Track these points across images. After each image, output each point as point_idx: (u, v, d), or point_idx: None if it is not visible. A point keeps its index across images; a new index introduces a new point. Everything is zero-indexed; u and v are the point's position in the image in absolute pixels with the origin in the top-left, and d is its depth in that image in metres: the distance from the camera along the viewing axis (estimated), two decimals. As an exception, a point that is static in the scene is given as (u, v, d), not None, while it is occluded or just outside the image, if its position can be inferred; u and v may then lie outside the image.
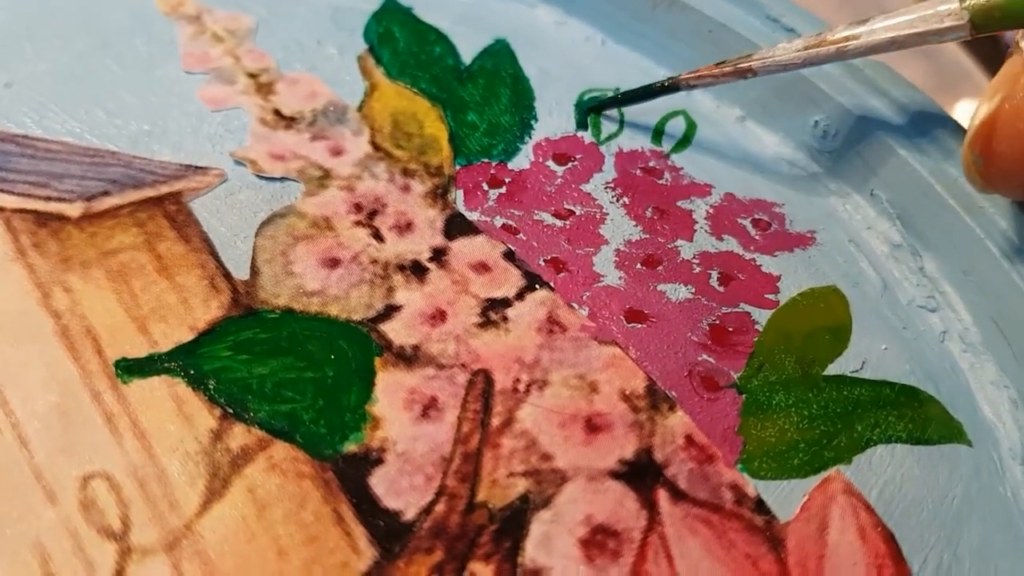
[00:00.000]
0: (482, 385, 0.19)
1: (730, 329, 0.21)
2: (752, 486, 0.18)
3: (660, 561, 0.17)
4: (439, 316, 0.20)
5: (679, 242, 0.23)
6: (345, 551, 0.17)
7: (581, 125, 0.25)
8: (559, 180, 0.24)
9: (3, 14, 0.26)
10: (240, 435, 0.18)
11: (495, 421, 0.19)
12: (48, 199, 0.21)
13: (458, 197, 0.23)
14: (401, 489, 0.17)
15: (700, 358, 0.20)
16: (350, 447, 0.18)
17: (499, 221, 0.23)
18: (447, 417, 0.19)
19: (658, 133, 0.25)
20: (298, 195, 0.22)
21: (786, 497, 0.18)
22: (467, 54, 0.27)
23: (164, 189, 0.22)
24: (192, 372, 0.19)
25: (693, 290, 0.22)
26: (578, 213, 0.23)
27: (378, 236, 0.22)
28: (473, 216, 0.23)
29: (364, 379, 0.19)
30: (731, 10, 0.26)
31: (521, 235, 0.22)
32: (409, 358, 0.19)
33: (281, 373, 0.19)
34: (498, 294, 0.21)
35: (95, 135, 0.23)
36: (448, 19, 0.28)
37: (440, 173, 0.23)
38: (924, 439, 0.20)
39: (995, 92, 0.18)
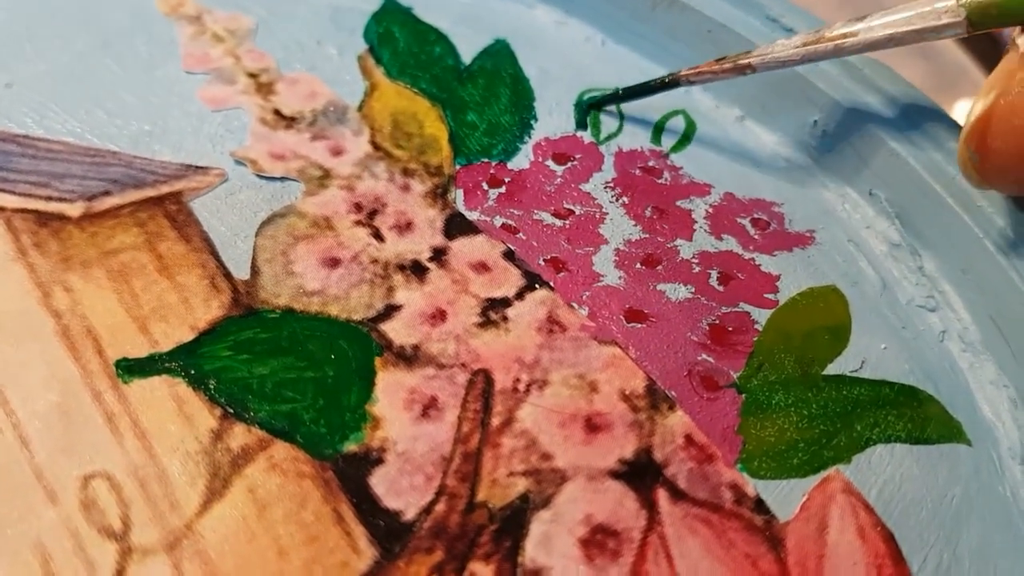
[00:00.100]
0: (482, 385, 0.19)
1: (729, 329, 0.21)
2: (752, 486, 0.18)
3: (660, 561, 0.17)
4: (439, 316, 0.20)
5: (678, 241, 0.23)
6: (345, 551, 0.17)
7: (581, 125, 0.25)
8: (559, 180, 0.24)
9: (4, 14, 0.26)
10: (240, 435, 0.18)
11: (495, 421, 0.19)
12: (49, 199, 0.21)
13: (458, 197, 0.23)
14: (401, 489, 0.17)
15: (700, 358, 0.20)
16: (350, 447, 0.18)
17: (499, 221, 0.23)
18: (447, 417, 0.19)
19: (657, 133, 0.26)
20: (298, 195, 0.22)
21: (785, 497, 0.18)
22: (467, 54, 0.27)
23: (165, 189, 0.22)
24: (193, 372, 0.19)
25: (693, 290, 0.22)
26: (578, 213, 0.23)
27: (378, 236, 0.22)
28: (473, 216, 0.23)
29: (364, 379, 0.19)
30: (730, 10, 0.26)
31: (521, 235, 0.22)
32: (409, 358, 0.20)
33: (281, 373, 0.19)
34: (498, 294, 0.21)
35: (96, 135, 0.23)
36: (448, 19, 0.28)
37: (440, 173, 0.23)
38: (923, 438, 0.20)
39: (991, 88, 0.18)
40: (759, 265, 0.22)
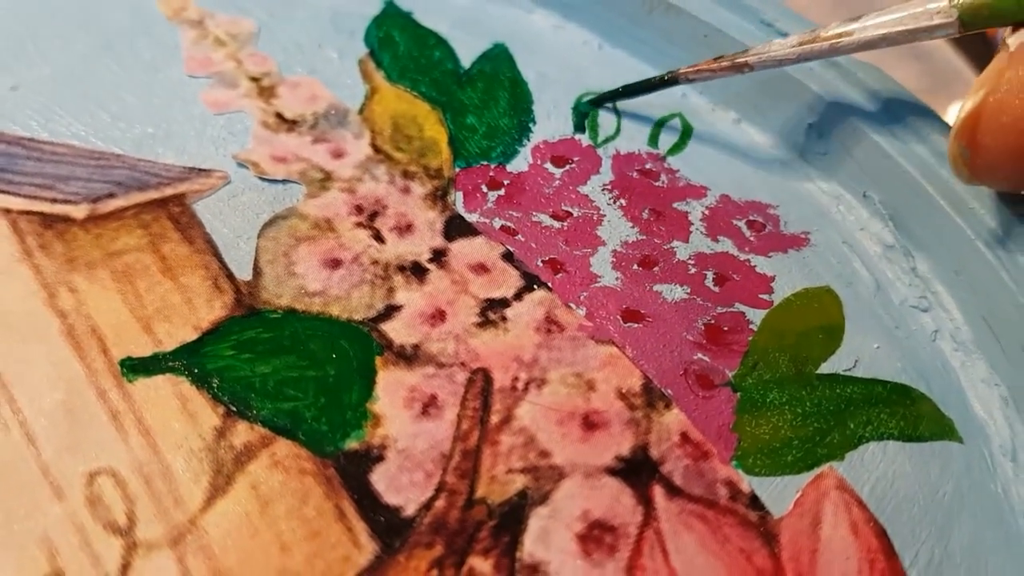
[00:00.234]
0: (481, 383, 0.19)
1: (725, 328, 0.21)
2: (746, 482, 0.19)
3: (656, 556, 0.17)
4: (439, 316, 0.21)
5: (675, 243, 0.23)
6: (346, 546, 0.17)
7: (579, 128, 0.26)
8: (557, 182, 0.24)
9: (9, 18, 0.26)
10: (243, 432, 0.18)
11: (494, 419, 0.19)
12: (54, 201, 0.21)
13: (457, 199, 0.23)
14: (401, 485, 0.18)
15: (695, 357, 0.21)
16: (351, 444, 0.18)
17: (498, 223, 0.23)
18: (447, 415, 0.19)
19: (655, 136, 0.26)
20: (300, 197, 0.23)
21: (780, 493, 0.18)
22: (466, 58, 0.27)
23: (168, 191, 0.22)
24: (196, 371, 0.19)
25: (689, 290, 0.22)
26: (576, 215, 0.23)
27: (379, 237, 0.22)
28: (472, 218, 0.23)
29: (365, 377, 0.19)
30: (726, 15, 0.26)
31: (519, 236, 0.23)
32: (409, 357, 0.20)
33: (283, 372, 0.19)
34: (497, 294, 0.21)
35: (100, 138, 0.23)
36: (447, 23, 0.28)
37: (440, 175, 0.24)
38: (916, 436, 0.20)
39: (980, 86, 0.19)
40: (754, 266, 0.23)
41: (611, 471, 0.18)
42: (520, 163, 0.25)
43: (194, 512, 0.17)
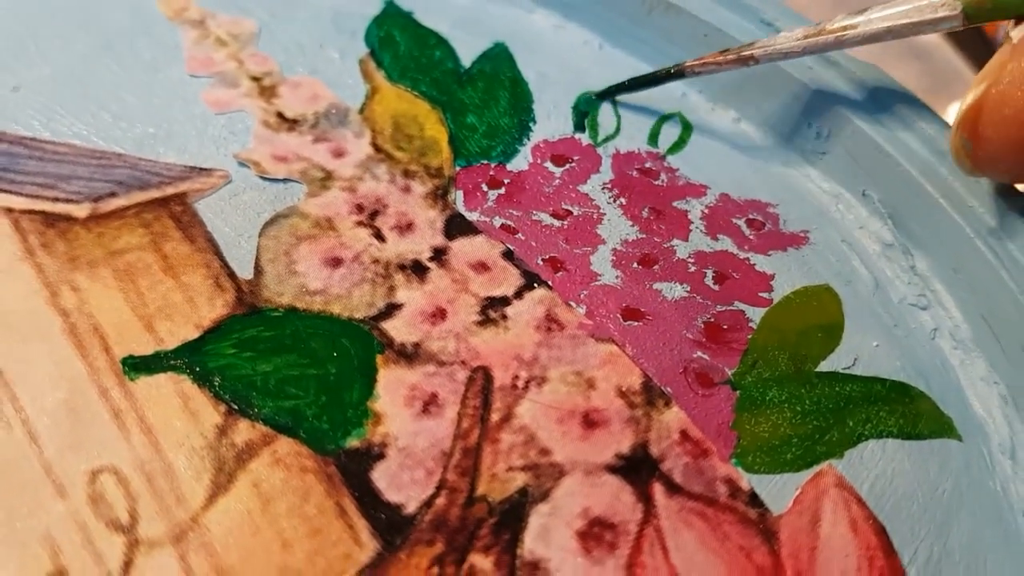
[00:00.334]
0: (481, 382, 0.20)
1: (724, 327, 0.21)
2: (746, 480, 0.19)
3: (655, 553, 0.17)
4: (439, 314, 0.21)
5: (675, 242, 0.23)
6: (348, 543, 0.17)
7: (579, 127, 0.26)
8: (557, 181, 0.24)
9: (9, 18, 0.26)
10: (245, 431, 0.18)
11: (494, 417, 0.19)
12: (56, 200, 0.21)
13: (458, 198, 0.23)
14: (402, 483, 0.18)
15: (695, 355, 0.21)
16: (352, 442, 0.18)
17: (498, 221, 0.23)
18: (447, 413, 0.19)
19: (654, 135, 0.26)
20: (301, 196, 0.23)
21: (779, 491, 0.19)
22: (467, 58, 0.27)
23: (169, 190, 0.22)
24: (198, 369, 0.19)
25: (688, 288, 0.22)
26: (576, 213, 0.23)
27: (379, 236, 0.22)
28: (473, 216, 0.23)
29: (366, 376, 0.19)
30: (726, 14, 0.26)
31: (520, 235, 0.23)
32: (410, 355, 0.20)
33: (285, 370, 0.19)
34: (497, 293, 0.21)
35: (101, 137, 0.23)
36: (448, 23, 0.28)
37: (440, 174, 0.24)
38: (915, 434, 0.20)
39: (983, 79, 0.19)
40: (754, 264, 0.23)
41: (611, 469, 0.18)
42: (520, 162, 0.25)
43: (196, 510, 0.17)
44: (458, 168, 0.24)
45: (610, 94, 0.26)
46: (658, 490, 0.18)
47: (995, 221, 0.21)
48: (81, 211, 0.21)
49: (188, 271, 0.21)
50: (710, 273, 0.22)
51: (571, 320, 0.21)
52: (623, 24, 0.28)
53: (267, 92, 0.25)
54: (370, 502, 0.17)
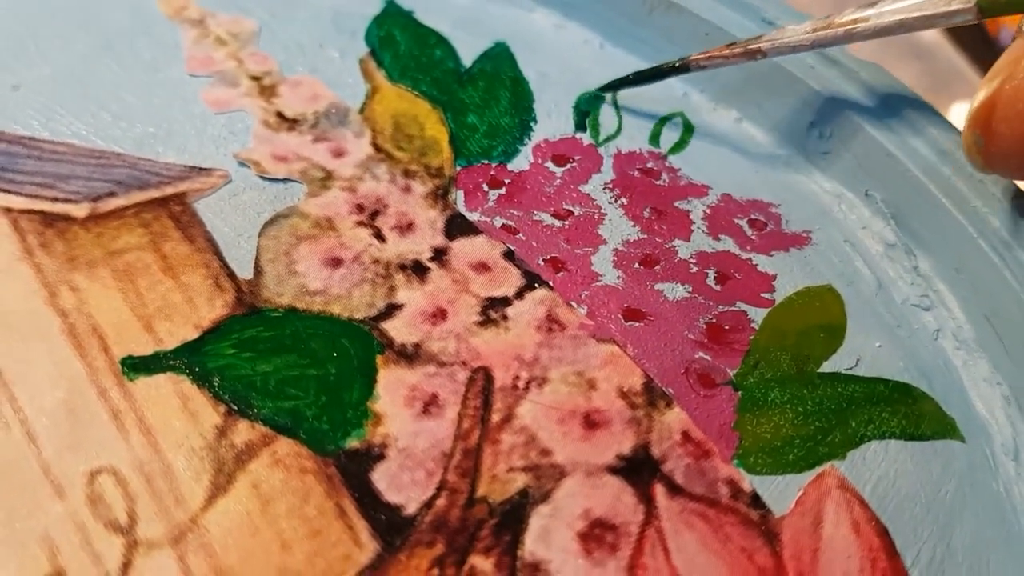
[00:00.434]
0: (482, 382, 0.19)
1: (726, 327, 0.21)
2: (748, 481, 0.19)
3: (657, 554, 0.17)
4: (440, 315, 0.21)
5: (676, 242, 0.23)
6: (347, 544, 0.17)
7: (580, 127, 0.26)
8: (558, 181, 0.24)
9: (9, 18, 0.26)
10: (244, 431, 0.18)
11: (495, 417, 0.19)
12: (55, 200, 0.21)
13: (458, 198, 0.23)
14: (402, 484, 0.18)
15: (697, 356, 0.21)
16: (352, 443, 0.18)
17: (499, 221, 0.23)
18: (448, 414, 0.19)
19: (656, 134, 0.26)
20: (301, 196, 0.23)
21: (781, 492, 0.18)
22: (467, 57, 0.27)
23: (169, 190, 0.22)
24: (197, 369, 0.19)
25: (690, 289, 0.22)
26: (577, 213, 0.23)
27: (380, 236, 0.22)
28: (473, 216, 0.23)
29: (366, 376, 0.19)
30: (727, 13, 0.26)
31: (520, 235, 0.23)
32: (410, 356, 0.20)
33: (284, 370, 0.19)
34: (498, 293, 0.21)
35: (101, 137, 0.23)
36: (448, 23, 0.28)
37: (441, 174, 0.24)
38: (917, 435, 0.20)
39: (996, 74, 0.19)
40: (756, 265, 0.23)
41: (612, 470, 0.18)
42: (521, 162, 0.25)
43: (195, 511, 0.17)
44: (459, 168, 0.24)
45: (614, 88, 0.26)
46: (659, 491, 0.18)
47: (998, 221, 0.21)
48: (80, 211, 0.21)
49: (187, 271, 0.21)
50: (712, 273, 0.22)
51: (572, 320, 0.21)
52: (624, 23, 0.28)
53: (267, 92, 0.25)
54: (370, 503, 0.17)
